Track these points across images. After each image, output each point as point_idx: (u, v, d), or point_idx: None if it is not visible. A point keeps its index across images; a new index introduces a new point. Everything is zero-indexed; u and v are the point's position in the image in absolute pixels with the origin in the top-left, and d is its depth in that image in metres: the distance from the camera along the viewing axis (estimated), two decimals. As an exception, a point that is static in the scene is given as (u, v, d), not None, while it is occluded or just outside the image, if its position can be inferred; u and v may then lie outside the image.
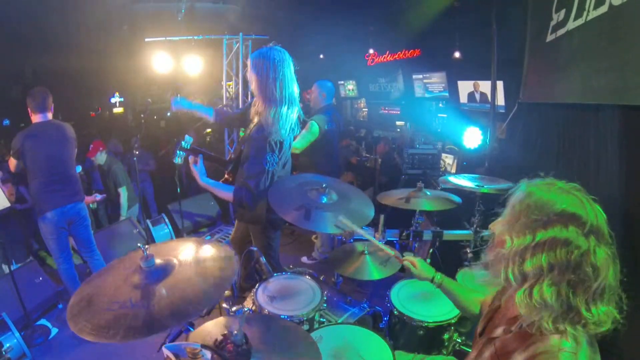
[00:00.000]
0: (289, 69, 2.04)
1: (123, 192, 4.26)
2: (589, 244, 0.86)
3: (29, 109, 2.98)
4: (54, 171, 2.98)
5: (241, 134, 3.11)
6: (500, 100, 4.74)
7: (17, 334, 2.58)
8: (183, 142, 2.09)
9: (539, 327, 0.89)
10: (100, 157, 4.14)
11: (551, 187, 0.95)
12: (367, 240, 2.30)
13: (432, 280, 1.48)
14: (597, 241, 0.86)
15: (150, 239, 4.27)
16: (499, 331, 1.03)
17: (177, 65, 4.56)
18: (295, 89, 2.08)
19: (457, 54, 5.71)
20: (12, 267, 3.01)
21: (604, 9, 1.53)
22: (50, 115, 3.03)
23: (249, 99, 5.03)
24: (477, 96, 5.67)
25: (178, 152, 2.09)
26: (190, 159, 2.08)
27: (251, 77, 2.06)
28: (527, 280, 0.91)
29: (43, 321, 3.09)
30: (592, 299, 0.86)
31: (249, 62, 2.09)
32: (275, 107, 2.01)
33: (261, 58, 2.00)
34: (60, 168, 3.02)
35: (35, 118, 2.98)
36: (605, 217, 0.90)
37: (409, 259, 1.54)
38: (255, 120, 2.13)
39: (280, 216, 2.10)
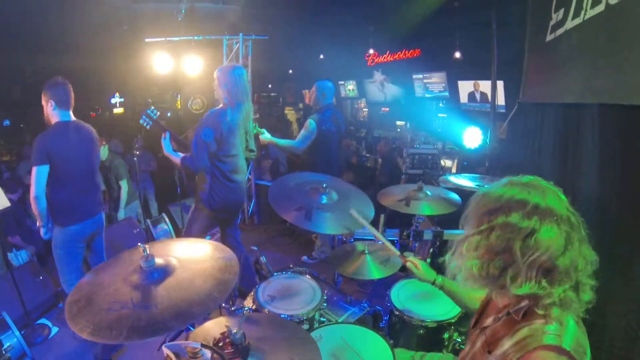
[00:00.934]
0: (246, 81, 2.81)
1: (124, 185, 4.29)
2: (531, 224, 0.90)
3: (48, 104, 2.50)
4: (84, 180, 2.63)
5: (256, 130, 3.33)
6: (501, 100, 4.74)
7: (17, 333, 2.58)
8: (149, 110, 2.67)
9: (525, 312, 0.94)
10: (103, 152, 4.14)
11: (503, 184, 1.01)
12: (371, 238, 2.31)
13: (433, 283, 1.54)
14: (540, 220, 0.90)
15: (150, 239, 4.27)
16: (489, 320, 1.08)
17: (177, 65, 4.56)
18: (248, 95, 2.86)
19: (457, 54, 5.72)
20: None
21: (600, 7, 1.53)
22: (72, 114, 2.60)
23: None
24: (478, 96, 5.68)
25: (143, 116, 2.64)
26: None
27: (218, 81, 2.72)
28: (459, 256, 1.01)
29: (43, 320, 3.09)
30: (550, 277, 0.89)
31: (216, 73, 2.75)
32: (237, 102, 2.71)
33: (229, 69, 2.73)
34: (90, 177, 2.69)
35: (56, 117, 2.52)
36: (564, 200, 0.95)
37: (412, 261, 1.60)
38: None
39: (223, 207, 2.84)
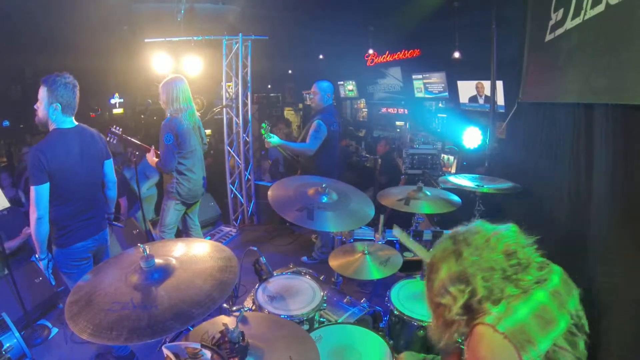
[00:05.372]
0: (187, 89, 3.13)
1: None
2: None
3: (49, 106, 2.15)
4: (88, 197, 2.33)
5: (266, 134, 3.53)
6: (500, 100, 4.74)
7: (17, 334, 2.58)
8: (113, 128, 3.13)
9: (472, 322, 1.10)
10: None
11: None
12: (371, 238, 2.30)
13: None
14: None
15: (150, 240, 4.27)
16: None
17: (176, 65, 4.57)
18: (190, 100, 3.17)
19: (456, 54, 5.71)
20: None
21: (600, 8, 1.53)
22: (73, 119, 2.28)
23: (249, 100, 5.05)
24: (481, 100, 5.65)
25: (109, 134, 3.06)
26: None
27: (163, 93, 3.08)
28: None
29: (43, 321, 3.09)
30: (463, 280, 1.08)
31: (160, 87, 3.10)
32: (181, 111, 3.07)
33: (169, 85, 3.07)
34: (95, 193, 2.40)
35: (57, 122, 2.19)
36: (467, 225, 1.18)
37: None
38: None
39: (189, 195, 3.25)
